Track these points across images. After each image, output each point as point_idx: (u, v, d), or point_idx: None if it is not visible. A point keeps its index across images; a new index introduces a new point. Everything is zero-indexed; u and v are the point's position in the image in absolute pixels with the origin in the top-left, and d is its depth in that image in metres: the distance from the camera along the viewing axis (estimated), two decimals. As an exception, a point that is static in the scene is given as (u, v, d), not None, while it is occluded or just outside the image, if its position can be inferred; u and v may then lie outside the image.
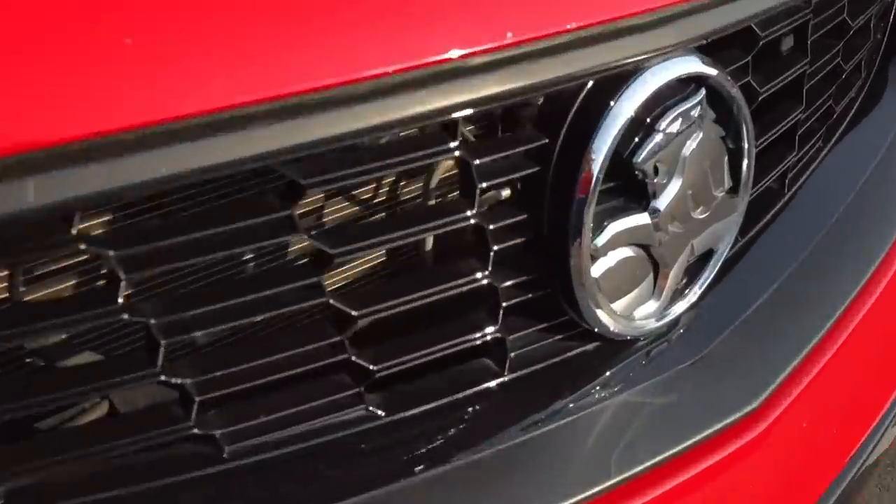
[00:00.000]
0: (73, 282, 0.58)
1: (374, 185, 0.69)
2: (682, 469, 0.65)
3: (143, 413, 0.52)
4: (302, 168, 0.50)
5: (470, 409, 0.62)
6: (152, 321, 0.48)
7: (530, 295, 0.64)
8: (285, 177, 0.50)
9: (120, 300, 0.47)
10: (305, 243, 0.59)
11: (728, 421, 0.68)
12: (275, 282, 0.53)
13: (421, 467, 0.57)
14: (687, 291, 0.73)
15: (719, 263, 0.74)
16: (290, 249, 0.66)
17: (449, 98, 0.51)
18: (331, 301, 0.54)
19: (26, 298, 0.56)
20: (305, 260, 0.60)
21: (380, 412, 0.59)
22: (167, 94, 0.42)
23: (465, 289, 0.60)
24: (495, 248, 0.60)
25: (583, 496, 0.59)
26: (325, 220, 0.67)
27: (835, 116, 0.96)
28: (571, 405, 0.65)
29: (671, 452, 0.63)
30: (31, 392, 0.48)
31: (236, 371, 0.53)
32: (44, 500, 0.49)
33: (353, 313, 0.55)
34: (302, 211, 0.64)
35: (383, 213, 0.70)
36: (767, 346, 0.73)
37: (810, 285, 0.80)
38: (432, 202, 0.68)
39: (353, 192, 0.68)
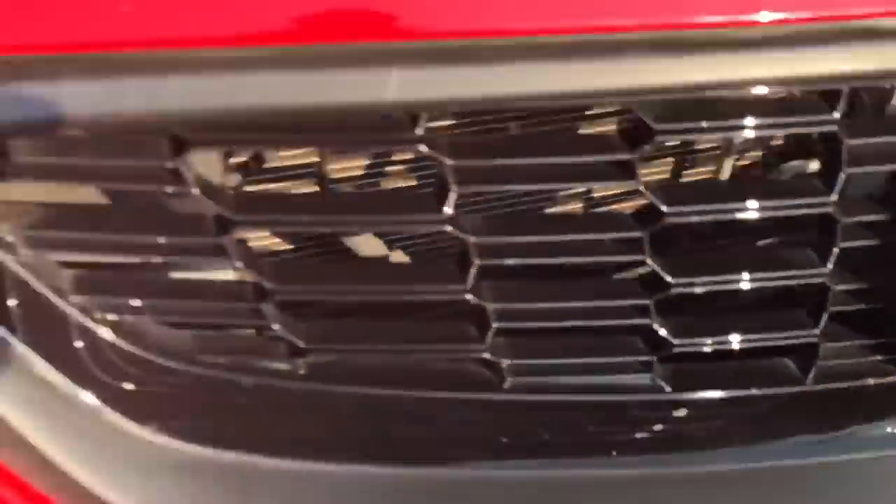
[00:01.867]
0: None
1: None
2: None
3: (440, 327, 0.52)
4: (657, 111, 0.46)
5: (751, 409, 0.56)
6: (472, 239, 0.47)
7: (864, 305, 0.56)
8: (634, 118, 0.46)
9: (448, 210, 0.46)
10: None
11: None
12: (594, 227, 0.50)
13: (680, 457, 0.53)
14: None
15: None
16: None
17: (855, 62, 0.43)
18: (648, 260, 0.50)
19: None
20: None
21: (666, 387, 0.55)
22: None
23: (792, 282, 0.53)
24: (840, 245, 0.52)
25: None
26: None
27: None
28: (875, 436, 0.56)
29: None
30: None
31: (536, 308, 0.51)
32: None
33: (669, 279, 0.51)
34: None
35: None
36: None
37: None
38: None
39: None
